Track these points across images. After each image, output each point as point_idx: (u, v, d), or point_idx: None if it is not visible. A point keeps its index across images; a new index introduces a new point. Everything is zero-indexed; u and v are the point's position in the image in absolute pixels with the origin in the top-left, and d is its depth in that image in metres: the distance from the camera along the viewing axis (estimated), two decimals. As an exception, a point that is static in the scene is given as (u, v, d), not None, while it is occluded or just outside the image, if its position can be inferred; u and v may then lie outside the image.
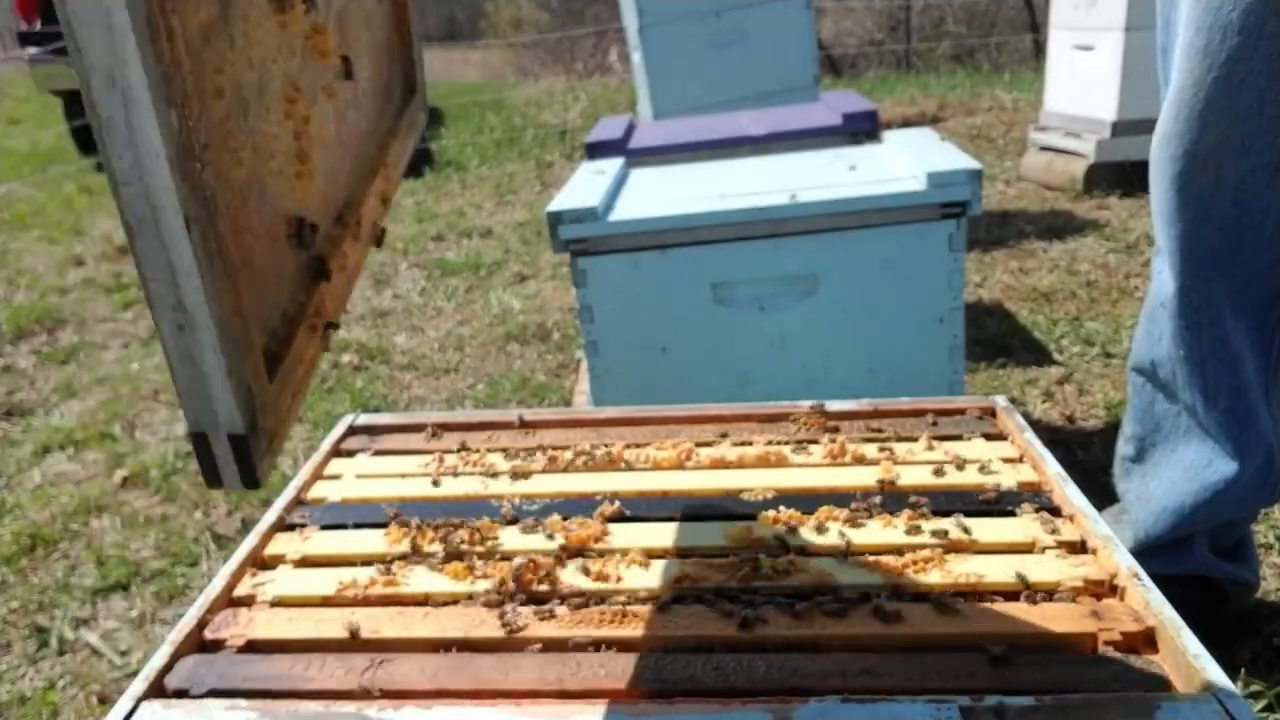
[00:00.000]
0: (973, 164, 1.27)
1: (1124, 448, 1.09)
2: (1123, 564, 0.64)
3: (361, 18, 0.64)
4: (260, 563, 0.74)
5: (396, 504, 0.81)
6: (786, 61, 3.58)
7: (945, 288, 1.30)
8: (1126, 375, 1.08)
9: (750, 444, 0.86)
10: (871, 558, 0.68)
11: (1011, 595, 0.63)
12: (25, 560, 1.52)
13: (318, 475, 0.86)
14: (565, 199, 1.39)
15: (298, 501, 0.82)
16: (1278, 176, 0.89)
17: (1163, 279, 0.99)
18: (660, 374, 1.38)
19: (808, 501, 0.75)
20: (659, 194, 1.46)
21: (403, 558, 0.72)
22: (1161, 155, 0.95)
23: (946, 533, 0.70)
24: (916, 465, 0.81)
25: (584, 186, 1.48)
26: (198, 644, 0.64)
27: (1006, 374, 1.88)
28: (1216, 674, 0.54)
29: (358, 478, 0.86)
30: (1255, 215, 0.91)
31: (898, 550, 0.68)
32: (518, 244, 3.36)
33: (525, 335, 2.42)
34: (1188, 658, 0.55)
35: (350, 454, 0.91)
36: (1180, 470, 1.00)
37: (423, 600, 0.67)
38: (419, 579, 0.69)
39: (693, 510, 0.76)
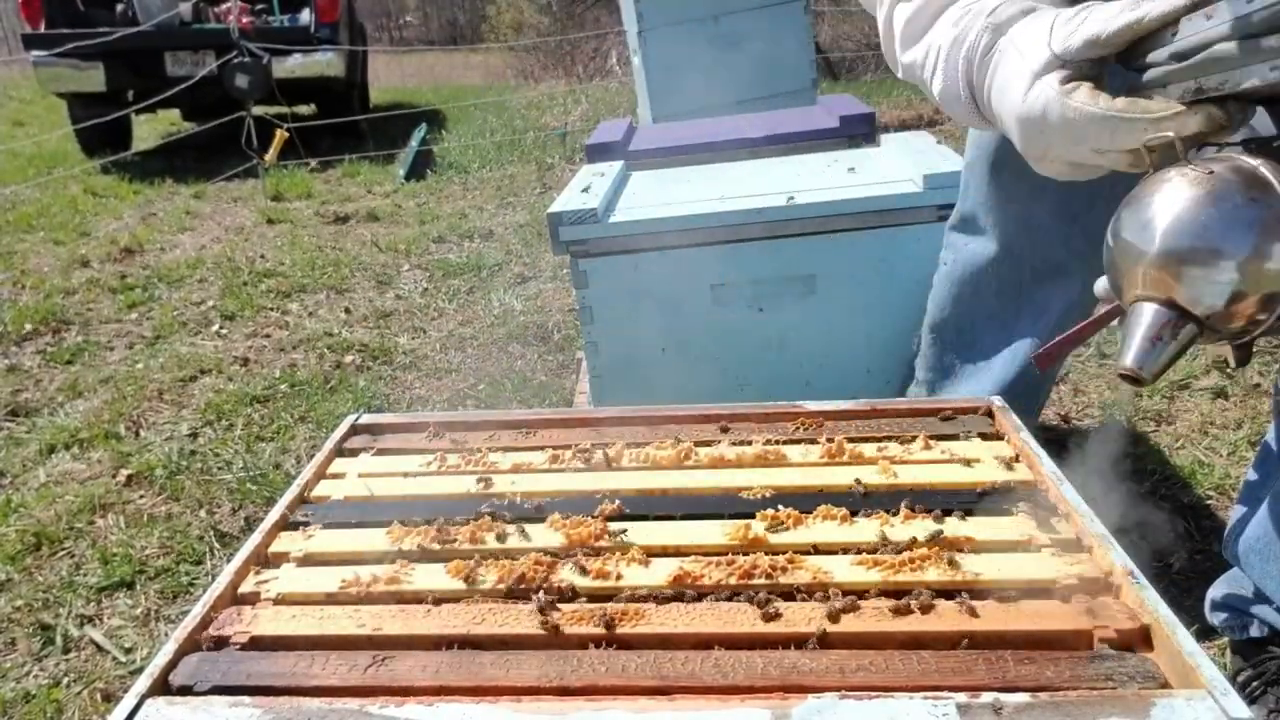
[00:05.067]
0: (970, 166, 1.28)
1: (915, 389, 1.28)
2: (1118, 562, 0.65)
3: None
4: (264, 561, 0.74)
5: (399, 502, 0.81)
6: (784, 65, 3.59)
7: (943, 289, 1.30)
8: (921, 334, 1.26)
9: (749, 443, 0.87)
10: (869, 556, 0.68)
11: (1008, 593, 0.64)
12: (30, 558, 1.53)
13: (321, 474, 0.87)
14: (566, 201, 1.40)
15: (301, 500, 0.83)
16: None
17: (972, 250, 1.15)
18: (660, 374, 1.39)
19: (806, 500, 0.76)
20: (658, 196, 1.47)
21: (405, 556, 0.73)
22: (998, 143, 1.07)
23: (943, 531, 0.70)
24: (914, 464, 0.81)
25: (584, 188, 1.49)
26: (202, 641, 0.65)
27: (1006, 375, 1.88)
28: (1211, 672, 0.54)
29: (360, 477, 0.86)
30: (1086, 201, 1.01)
31: (895, 548, 0.69)
32: (519, 245, 3.37)
33: (526, 336, 2.42)
34: (1183, 655, 0.56)
35: (353, 453, 0.92)
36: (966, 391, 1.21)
37: (425, 598, 0.67)
38: (421, 577, 0.70)
39: (692, 509, 0.77)
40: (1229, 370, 1.85)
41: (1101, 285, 0.79)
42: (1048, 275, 1.13)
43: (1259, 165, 0.56)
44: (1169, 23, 0.58)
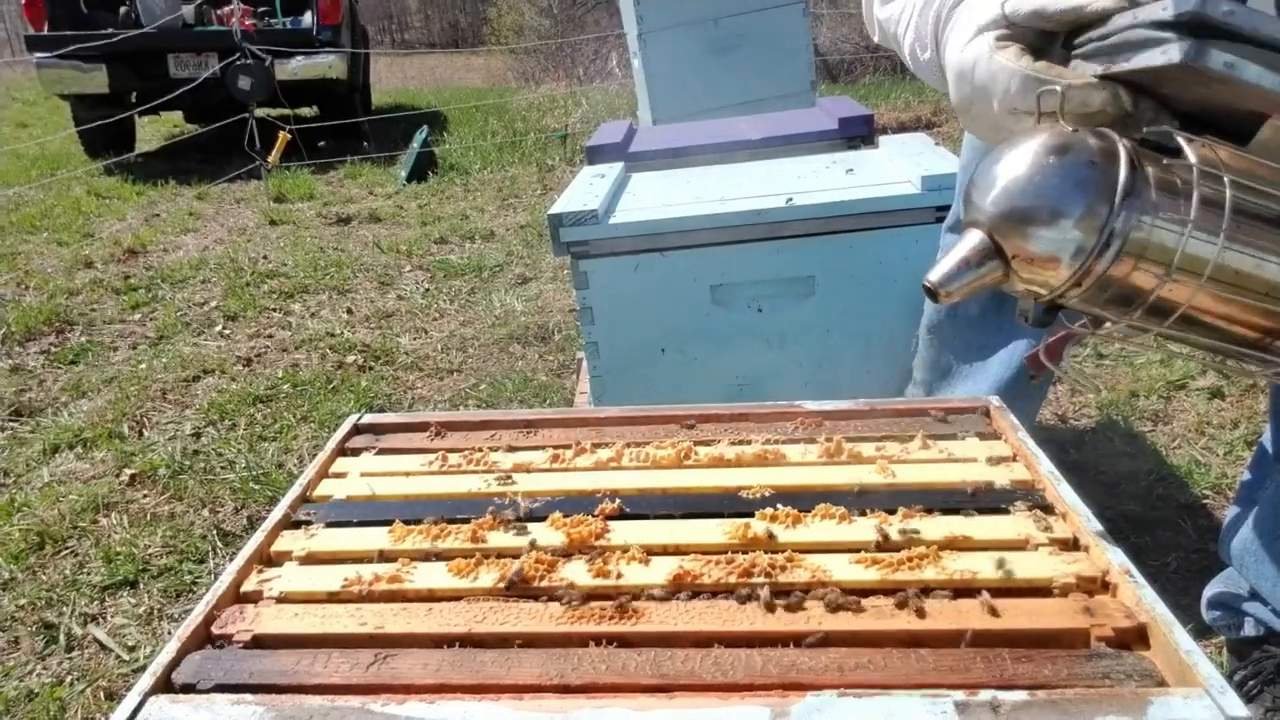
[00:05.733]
0: (970, 167, 1.28)
1: (912, 390, 1.28)
2: (1115, 561, 0.65)
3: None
4: (267, 559, 0.75)
5: (400, 501, 0.82)
6: (784, 67, 3.60)
7: (942, 289, 1.31)
8: (919, 335, 1.27)
9: (749, 443, 0.87)
10: (867, 554, 0.69)
11: (1005, 592, 0.64)
12: (34, 558, 1.54)
13: (323, 473, 0.88)
14: (566, 202, 1.40)
15: (303, 499, 0.83)
16: None
17: None
18: (660, 374, 1.39)
19: (805, 499, 0.76)
20: (659, 197, 1.48)
21: (406, 555, 0.73)
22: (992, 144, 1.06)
23: (941, 530, 0.70)
24: (911, 464, 0.82)
25: (585, 190, 1.49)
26: (205, 639, 0.65)
27: (1007, 376, 1.88)
28: (1209, 670, 0.55)
29: (362, 476, 0.87)
30: None
31: (893, 547, 0.69)
32: (520, 246, 3.38)
33: (527, 336, 2.43)
34: (1180, 654, 0.56)
35: (355, 452, 0.92)
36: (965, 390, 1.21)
37: (426, 596, 0.68)
38: (422, 575, 0.70)
39: (692, 508, 0.77)
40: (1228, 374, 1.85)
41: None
42: None
43: (1125, 142, 0.56)
44: (1108, 16, 0.59)
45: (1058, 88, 0.59)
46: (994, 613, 0.62)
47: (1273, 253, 0.56)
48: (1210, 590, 1.07)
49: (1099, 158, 0.55)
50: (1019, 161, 0.57)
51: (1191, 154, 0.55)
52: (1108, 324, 0.61)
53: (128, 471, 1.80)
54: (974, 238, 0.59)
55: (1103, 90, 0.58)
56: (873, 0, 0.81)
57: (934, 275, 0.61)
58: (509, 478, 0.84)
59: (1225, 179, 0.54)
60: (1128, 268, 0.55)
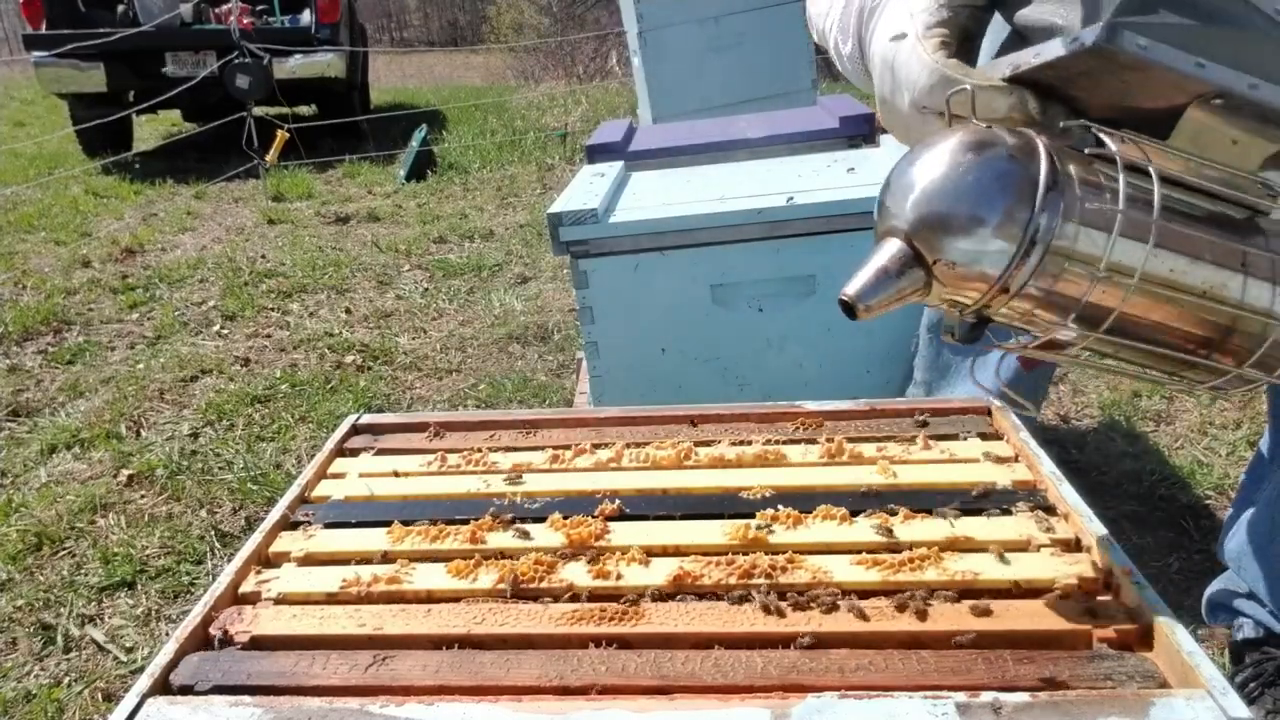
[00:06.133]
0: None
1: (913, 389, 1.27)
2: (1117, 562, 0.65)
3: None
4: (265, 560, 0.74)
5: (399, 502, 0.82)
6: (784, 66, 3.60)
7: (944, 289, 1.31)
8: (919, 335, 1.26)
9: (749, 443, 0.87)
10: (868, 555, 0.68)
11: (1007, 593, 0.64)
12: (31, 558, 1.53)
13: (322, 474, 0.87)
14: (566, 201, 1.40)
15: (302, 500, 0.83)
16: None
17: None
18: (660, 374, 1.39)
19: (805, 500, 0.76)
20: (658, 196, 1.47)
21: (405, 555, 0.73)
22: None
23: (942, 531, 0.70)
24: (913, 464, 0.82)
25: (584, 189, 1.49)
26: (203, 641, 0.65)
27: (1006, 375, 1.88)
28: (1210, 671, 0.54)
29: (361, 476, 0.86)
30: None
31: (894, 548, 0.69)
32: (519, 246, 3.37)
33: (526, 336, 2.43)
34: (1182, 655, 0.56)
35: (354, 453, 0.92)
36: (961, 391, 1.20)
37: (425, 598, 0.68)
38: (421, 576, 0.70)
39: (692, 508, 0.77)
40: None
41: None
42: None
43: (1043, 140, 0.53)
44: None
45: (967, 87, 0.56)
46: (995, 614, 0.61)
47: (1205, 252, 0.53)
48: (1210, 592, 1.06)
49: (1018, 155, 0.52)
50: (934, 163, 0.54)
51: (1114, 146, 0.52)
52: (1039, 338, 0.57)
53: (125, 472, 1.79)
54: (892, 246, 0.55)
55: (1009, 95, 0.55)
56: None
57: (850, 289, 0.55)
58: (508, 478, 0.84)
59: (1153, 173, 0.51)
60: (1055, 271, 0.52)
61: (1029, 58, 0.54)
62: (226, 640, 0.64)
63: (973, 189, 0.52)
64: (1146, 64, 0.49)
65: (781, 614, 0.62)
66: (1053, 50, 0.52)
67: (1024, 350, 0.59)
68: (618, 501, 0.78)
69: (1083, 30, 0.50)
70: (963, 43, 0.61)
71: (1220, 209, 0.54)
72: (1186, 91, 0.51)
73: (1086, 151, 0.53)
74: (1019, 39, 0.61)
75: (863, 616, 0.62)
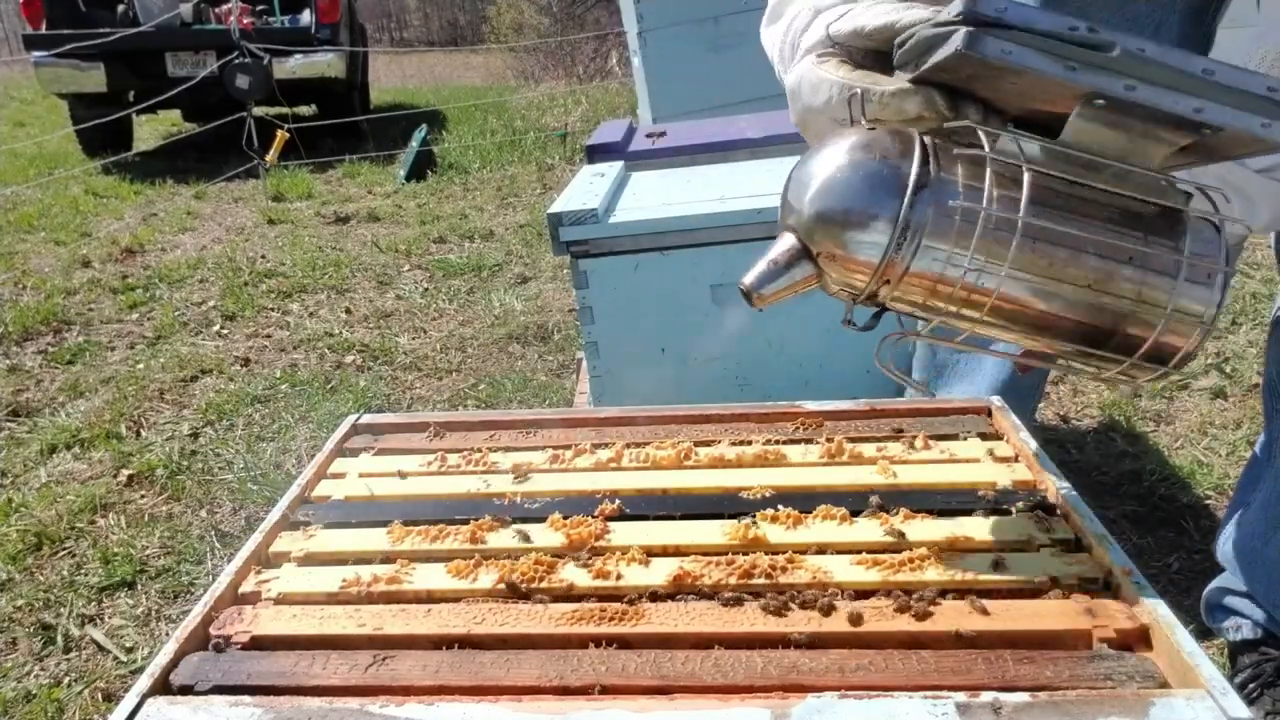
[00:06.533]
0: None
1: (912, 390, 1.25)
2: (1117, 562, 0.65)
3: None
4: (265, 560, 0.74)
5: (399, 502, 0.82)
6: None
7: (944, 289, 1.31)
8: None
9: (749, 443, 0.87)
10: (868, 555, 0.68)
11: (1007, 593, 0.64)
12: (31, 558, 1.53)
13: (321, 474, 0.87)
14: (566, 201, 1.40)
15: (302, 500, 0.83)
16: None
17: None
18: (660, 374, 1.39)
19: (805, 500, 0.76)
20: (659, 197, 1.47)
21: (405, 556, 0.73)
22: None
23: (942, 531, 0.70)
24: (913, 464, 0.82)
25: (584, 189, 1.49)
26: (203, 641, 0.65)
27: (1007, 375, 1.88)
28: (1211, 671, 0.54)
29: (361, 476, 0.86)
30: None
31: (894, 548, 0.69)
32: (519, 246, 3.37)
33: (526, 336, 2.43)
34: (1182, 655, 0.56)
35: (354, 453, 0.92)
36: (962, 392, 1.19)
37: (425, 598, 0.68)
38: (421, 576, 0.70)
39: (692, 509, 0.77)
40: (1228, 371, 1.85)
41: None
42: None
43: (925, 139, 0.57)
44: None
45: (858, 90, 0.59)
46: (995, 614, 0.61)
47: (1089, 246, 0.55)
48: (1208, 593, 1.06)
49: (892, 154, 0.56)
50: (818, 163, 0.59)
51: (987, 144, 0.55)
52: (929, 323, 0.61)
53: (125, 472, 1.79)
54: (785, 240, 0.60)
55: (916, 95, 0.58)
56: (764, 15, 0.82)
57: (747, 279, 0.62)
58: (508, 478, 0.84)
59: (1024, 167, 0.53)
60: (929, 263, 0.55)
61: (925, 64, 0.57)
62: (226, 640, 0.64)
63: (848, 188, 0.57)
64: (1015, 68, 0.51)
65: (781, 614, 0.62)
66: (941, 53, 0.54)
67: (920, 337, 0.64)
68: (618, 501, 0.78)
69: (956, 35, 0.52)
70: (870, 66, 0.64)
71: (1124, 203, 0.55)
72: (1068, 93, 0.52)
73: (955, 152, 0.56)
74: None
75: (863, 617, 0.62)
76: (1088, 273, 0.55)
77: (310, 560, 0.74)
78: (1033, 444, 0.82)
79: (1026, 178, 0.53)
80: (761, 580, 0.66)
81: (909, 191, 0.54)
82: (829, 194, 0.57)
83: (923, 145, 0.56)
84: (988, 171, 0.54)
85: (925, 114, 0.58)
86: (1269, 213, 0.80)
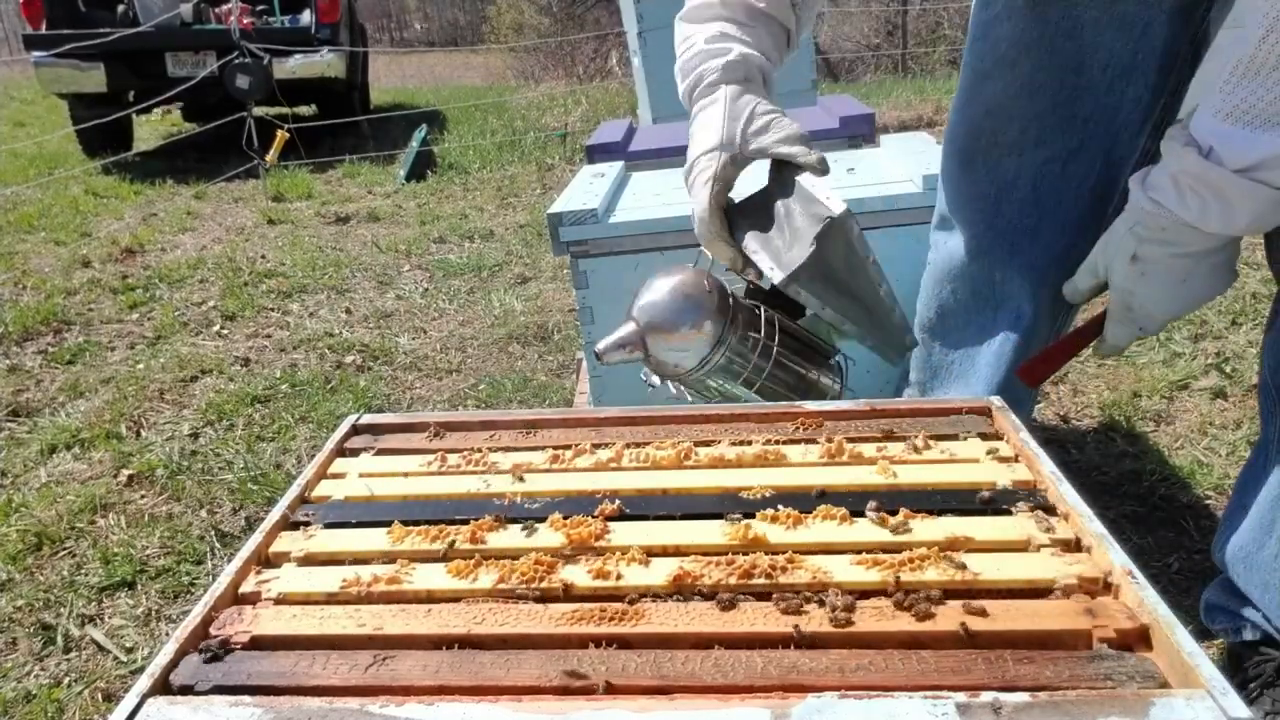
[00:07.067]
0: (970, 166, 1.28)
1: (910, 390, 1.33)
2: (1117, 562, 0.65)
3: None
4: (265, 560, 0.74)
5: (399, 502, 0.82)
6: (784, 66, 3.58)
7: (943, 289, 1.30)
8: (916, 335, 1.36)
9: (749, 443, 0.87)
10: (868, 556, 0.68)
11: (1007, 593, 0.64)
12: (31, 558, 1.53)
13: (322, 474, 0.87)
14: (566, 201, 1.40)
15: (302, 500, 0.83)
16: (1067, 168, 1.05)
17: (950, 248, 1.18)
18: (661, 375, 1.38)
19: (806, 500, 0.76)
20: (658, 196, 1.47)
21: (405, 556, 0.73)
22: (968, 145, 1.10)
23: (942, 531, 0.70)
24: (913, 464, 0.82)
25: (584, 189, 1.49)
26: (203, 641, 0.65)
27: (1006, 375, 1.88)
28: (1211, 671, 0.54)
29: (361, 476, 0.86)
30: (1050, 202, 1.07)
31: (894, 548, 0.69)
32: (519, 246, 3.37)
33: (526, 336, 2.43)
34: (1182, 655, 0.56)
35: (354, 453, 0.92)
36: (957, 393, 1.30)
37: (425, 598, 0.68)
38: (421, 576, 0.70)
39: (692, 508, 0.77)
40: (1228, 371, 1.85)
41: (1069, 286, 1.01)
42: (1018, 274, 1.12)
43: (730, 289, 0.94)
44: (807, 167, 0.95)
45: (703, 248, 0.98)
46: (995, 614, 0.61)
47: (801, 364, 1.00)
48: (1208, 593, 1.06)
49: (698, 292, 0.92)
50: (661, 291, 0.93)
51: (763, 312, 0.95)
52: (680, 383, 0.99)
53: (125, 472, 1.79)
54: (629, 328, 0.93)
55: (730, 251, 0.96)
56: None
57: (600, 345, 0.95)
58: (508, 478, 0.84)
59: (776, 323, 0.95)
60: (718, 373, 0.95)
61: (756, 265, 0.95)
62: (227, 641, 0.64)
63: (672, 315, 0.92)
64: (804, 302, 0.94)
65: (781, 614, 0.62)
66: (766, 270, 0.94)
67: (663, 385, 1.02)
68: (618, 501, 0.78)
69: (777, 272, 0.92)
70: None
71: (813, 348, 1.02)
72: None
73: (749, 305, 0.97)
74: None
75: (863, 616, 0.62)
76: (798, 372, 1.00)
77: (310, 560, 0.74)
78: (1033, 444, 0.82)
79: (776, 341, 0.95)
80: (762, 580, 0.66)
81: (725, 323, 0.92)
82: (658, 316, 0.92)
83: (729, 295, 0.93)
84: (763, 329, 0.94)
85: (734, 266, 0.97)
86: (1247, 215, 0.80)
